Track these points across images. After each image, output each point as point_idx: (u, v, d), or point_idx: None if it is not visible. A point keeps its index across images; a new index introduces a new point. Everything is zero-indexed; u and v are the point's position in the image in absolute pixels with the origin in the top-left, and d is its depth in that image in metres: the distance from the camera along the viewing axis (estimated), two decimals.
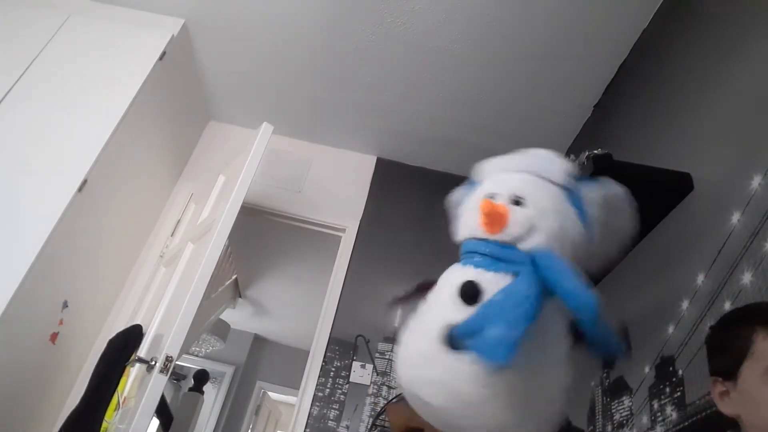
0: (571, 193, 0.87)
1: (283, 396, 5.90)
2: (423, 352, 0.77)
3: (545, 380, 0.74)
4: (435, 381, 0.74)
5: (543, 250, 0.80)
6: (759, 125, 1.17)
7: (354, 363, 2.48)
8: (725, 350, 0.77)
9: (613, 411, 1.47)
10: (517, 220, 0.83)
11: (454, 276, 0.85)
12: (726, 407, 0.77)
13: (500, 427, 0.74)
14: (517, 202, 0.85)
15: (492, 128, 2.67)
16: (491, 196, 0.88)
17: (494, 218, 0.83)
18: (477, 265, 0.82)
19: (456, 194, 1.06)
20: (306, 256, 3.94)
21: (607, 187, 0.89)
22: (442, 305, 0.81)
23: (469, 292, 0.78)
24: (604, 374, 1.55)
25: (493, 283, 0.78)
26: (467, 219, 0.92)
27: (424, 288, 0.92)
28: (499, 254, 0.82)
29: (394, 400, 2.29)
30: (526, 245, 0.82)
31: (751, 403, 0.73)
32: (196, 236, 2.23)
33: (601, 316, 0.70)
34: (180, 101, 2.68)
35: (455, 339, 0.73)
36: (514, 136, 2.67)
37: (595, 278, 0.95)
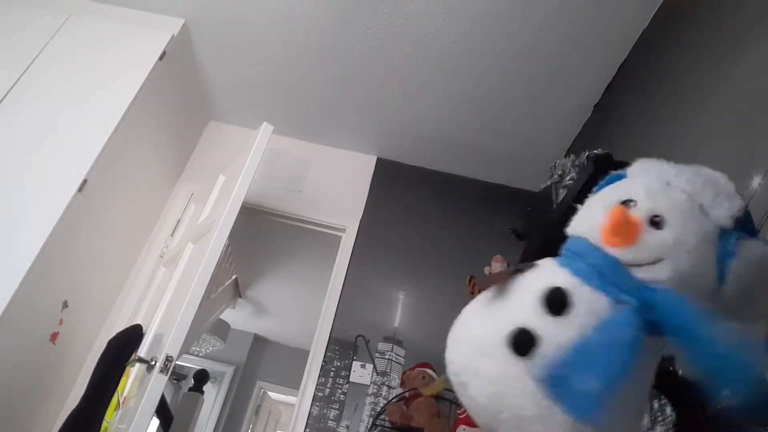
0: (724, 238, 0.70)
1: (283, 396, 5.90)
2: (482, 342, 0.68)
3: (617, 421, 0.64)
4: (486, 377, 0.67)
5: (666, 289, 0.66)
6: (759, 125, 1.17)
7: (354, 363, 2.48)
8: None
9: None
10: (648, 242, 0.68)
11: (544, 274, 0.73)
12: None
13: None
14: (655, 221, 0.70)
15: (492, 128, 2.67)
16: (627, 202, 0.73)
17: (622, 230, 0.69)
18: (576, 273, 0.70)
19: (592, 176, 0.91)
20: (306, 256, 3.94)
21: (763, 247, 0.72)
22: (521, 303, 0.70)
23: (556, 301, 0.67)
24: None
25: (585, 300, 0.66)
26: (590, 215, 0.77)
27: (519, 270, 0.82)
28: (608, 272, 0.69)
29: (394, 400, 2.29)
30: (643, 274, 0.68)
31: None
32: (196, 236, 2.23)
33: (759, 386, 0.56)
34: (180, 101, 2.68)
35: (524, 345, 0.65)
36: (514, 136, 2.67)
37: None
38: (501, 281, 0.76)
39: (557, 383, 0.61)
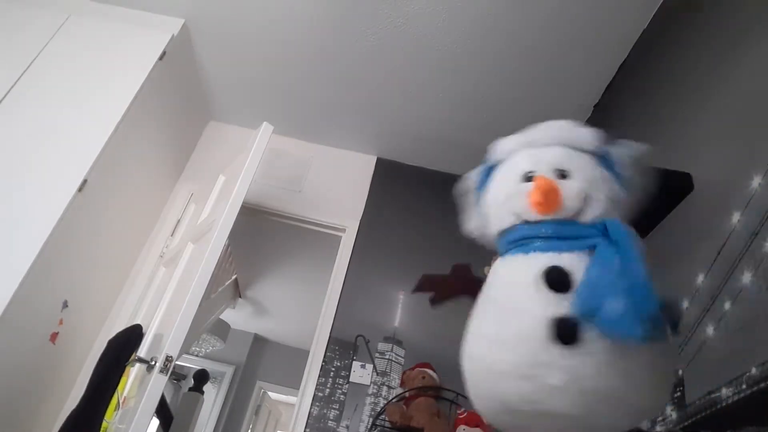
0: (603, 159, 0.84)
1: (283, 396, 5.90)
2: (532, 360, 0.66)
3: (664, 345, 0.69)
4: (563, 388, 0.64)
5: (611, 219, 0.75)
6: (759, 125, 1.17)
7: (354, 363, 2.48)
8: None
9: None
10: (571, 193, 0.76)
11: (523, 267, 0.75)
12: None
13: (643, 411, 0.67)
14: (562, 175, 0.79)
15: (492, 128, 2.64)
16: (530, 174, 0.81)
17: (550, 196, 0.75)
18: (544, 250, 0.74)
19: (469, 181, 0.96)
20: (306, 256, 3.94)
21: (631, 147, 0.87)
22: (528, 301, 0.71)
23: (559, 279, 0.70)
24: None
25: (575, 263, 0.71)
26: (509, 203, 0.82)
27: (453, 281, 0.90)
28: (564, 233, 0.75)
29: (394, 400, 2.28)
30: (585, 218, 0.76)
31: None
32: (196, 236, 2.23)
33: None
34: (180, 101, 2.68)
35: (570, 332, 0.65)
36: None
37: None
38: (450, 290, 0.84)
39: (593, 320, 0.65)
